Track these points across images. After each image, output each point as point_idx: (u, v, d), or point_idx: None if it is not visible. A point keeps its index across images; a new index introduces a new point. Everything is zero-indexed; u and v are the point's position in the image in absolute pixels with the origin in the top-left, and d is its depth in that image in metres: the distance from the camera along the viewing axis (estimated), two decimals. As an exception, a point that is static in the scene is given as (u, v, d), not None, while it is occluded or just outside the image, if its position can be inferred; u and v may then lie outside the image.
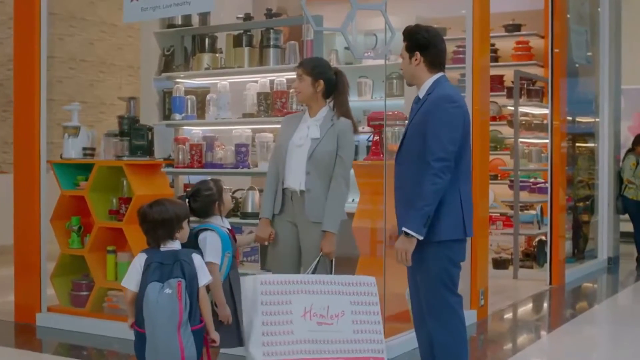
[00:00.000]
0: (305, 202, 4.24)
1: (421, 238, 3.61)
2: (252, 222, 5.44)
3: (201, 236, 3.92)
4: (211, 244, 3.89)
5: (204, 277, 3.59)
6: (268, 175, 4.40)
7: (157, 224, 3.57)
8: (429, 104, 3.70)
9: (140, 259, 3.61)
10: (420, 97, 3.80)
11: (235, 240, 4.12)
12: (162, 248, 3.61)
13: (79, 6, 10.64)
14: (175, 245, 3.62)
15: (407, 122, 3.90)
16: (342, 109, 4.32)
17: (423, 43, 3.77)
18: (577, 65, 9.25)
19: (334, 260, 4.27)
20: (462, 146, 3.70)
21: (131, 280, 3.61)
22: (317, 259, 4.23)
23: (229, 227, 4.09)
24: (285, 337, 3.83)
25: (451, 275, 3.77)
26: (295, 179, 4.26)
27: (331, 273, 4.24)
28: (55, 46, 10.27)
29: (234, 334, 3.95)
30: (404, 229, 3.63)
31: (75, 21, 10.59)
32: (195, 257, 3.60)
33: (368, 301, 4.03)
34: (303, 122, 4.32)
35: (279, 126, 4.64)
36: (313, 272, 4.19)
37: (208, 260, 3.86)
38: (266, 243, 4.42)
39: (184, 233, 3.68)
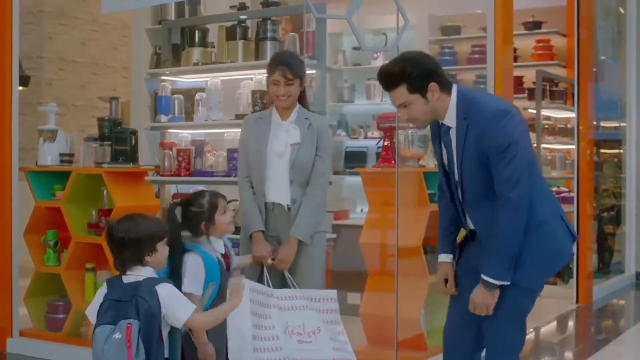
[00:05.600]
0: (291, 215, 3.81)
1: (508, 283, 3.02)
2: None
3: (185, 258, 3.37)
4: (191, 270, 3.35)
5: (183, 311, 2.98)
6: (244, 186, 3.92)
7: (123, 244, 3.01)
8: (479, 129, 3.00)
9: (102, 291, 3.08)
10: (453, 125, 3.09)
11: (228, 269, 3.54)
12: (126, 278, 3.02)
13: (69, 3, 10.20)
14: (143, 272, 3.03)
15: (441, 157, 3.22)
16: (307, 102, 3.97)
17: (432, 68, 3.06)
18: (602, 65, 8.75)
19: (287, 274, 3.81)
20: (531, 162, 3.08)
21: (94, 310, 3.08)
22: (265, 270, 3.77)
23: (222, 252, 3.53)
24: (276, 354, 3.45)
25: (526, 311, 3.16)
26: (280, 192, 3.83)
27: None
28: (44, 45, 9.87)
29: None
30: (484, 277, 3.01)
31: (66, 19, 10.14)
32: (162, 289, 2.97)
33: (333, 319, 3.74)
34: (277, 127, 3.86)
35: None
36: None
37: (185, 290, 3.27)
38: (269, 261, 3.80)
39: (159, 257, 3.09)
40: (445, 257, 3.33)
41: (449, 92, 3.08)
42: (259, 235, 3.83)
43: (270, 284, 3.73)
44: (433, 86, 3.03)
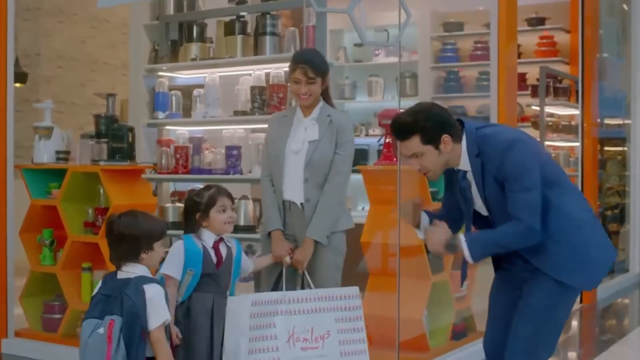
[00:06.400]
0: (305, 215, 3.75)
1: (470, 261, 3.07)
2: (245, 237, 4.79)
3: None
4: (172, 254, 3.43)
5: (155, 317, 2.98)
6: (264, 184, 3.90)
7: (122, 238, 3.06)
8: (496, 162, 3.06)
9: (99, 286, 3.13)
10: (469, 168, 3.14)
11: (220, 261, 3.54)
12: (120, 274, 3.07)
13: (68, 0, 10.12)
14: (137, 270, 3.06)
15: (463, 197, 3.25)
16: (331, 99, 3.91)
17: (445, 119, 3.10)
18: (607, 62, 8.66)
19: (306, 273, 3.76)
20: (553, 179, 3.12)
21: None
22: (284, 271, 3.75)
23: (211, 245, 3.55)
24: None
25: (563, 314, 3.18)
26: (294, 190, 3.78)
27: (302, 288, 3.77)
28: (42, 43, 9.80)
29: None
30: (465, 247, 3.03)
31: (65, 16, 10.11)
32: (150, 289, 3.00)
33: (352, 316, 3.66)
34: (298, 124, 3.82)
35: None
36: (275, 286, 3.78)
37: (162, 271, 3.39)
38: (288, 259, 3.77)
39: (154, 256, 3.14)
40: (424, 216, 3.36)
41: (459, 140, 3.13)
42: (277, 233, 3.81)
43: (284, 286, 3.71)
44: (446, 138, 3.07)
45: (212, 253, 3.53)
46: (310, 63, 3.72)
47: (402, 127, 3.10)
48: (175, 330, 3.36)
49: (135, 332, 2.92)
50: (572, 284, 3.10)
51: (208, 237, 3.55)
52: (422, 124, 3.05)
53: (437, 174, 3.17)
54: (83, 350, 2.97)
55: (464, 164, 3.14)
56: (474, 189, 3.16)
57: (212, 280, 3.51)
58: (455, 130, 3.11)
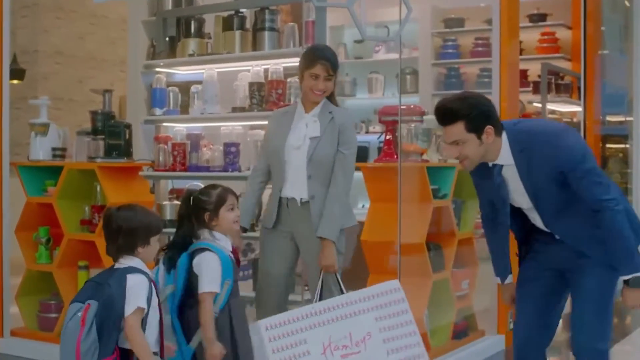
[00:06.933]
0: (311, 212, 3.70)
1: None
2: (243, 236, 4.70)
3: (197, 259, 3.30)
4: (209, 270, 3.30)
5: (131, 304, 2.97)
6: (249, 179, 3.94)
7: (121, 231, 3.07)
8: (545, 153, 3.10)
9: None
10: (509, 163, 3.18)
11: (238, 263, 3.50)
12: (116, 265, 3.09)
13: (67, -4, 10.11)
14: (133, 263, 3.07)
15: (498, 193, 3.27)
16: (335, 98, 3.85)
17: (491, 111, 3.14)
18: (609, 59, 8.63)
19: (338, 275, 3.70)
20: None
21: None
22: (320, 278, 3.67)
23: (230, 249, 3.47)
24: None
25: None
26: (295, 188, 3.74)
27: (341, 290, 3.68)
28: (40, 39, 9.77)
29: None
30: (629, 277, 3.10)
31: (63, 12, 10.08)
32: (131, 278, 3.00)
33: (396, 311, 3.57)
34: (299, 119, 3.78)
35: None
36: (321, 294, 3.66)
37: (205, 290, 3.26)
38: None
39: (150, 251, 3.13)
40: (510, 279, 3.47)
41: (500, 134, 3.15)
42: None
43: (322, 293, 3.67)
44: (489, 129, 3.10)
45: (233, 258, 3.46)
46: (331, 60, 3.71)
47: (448, 112, 3.11)
48: (219, 348, 3.23)
49: (108, 318, 2.92)
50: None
51: (225, 243, 3.46)
52: (468, 111, 3.08)
53: (474, 163, 3.18)
54: (63, 332, 2.99)
55: (503, 159, 3.15)
56: (513, 184, 3.17)
57: (237, 284, 3.45)
58: (497, 123, 3.14)
